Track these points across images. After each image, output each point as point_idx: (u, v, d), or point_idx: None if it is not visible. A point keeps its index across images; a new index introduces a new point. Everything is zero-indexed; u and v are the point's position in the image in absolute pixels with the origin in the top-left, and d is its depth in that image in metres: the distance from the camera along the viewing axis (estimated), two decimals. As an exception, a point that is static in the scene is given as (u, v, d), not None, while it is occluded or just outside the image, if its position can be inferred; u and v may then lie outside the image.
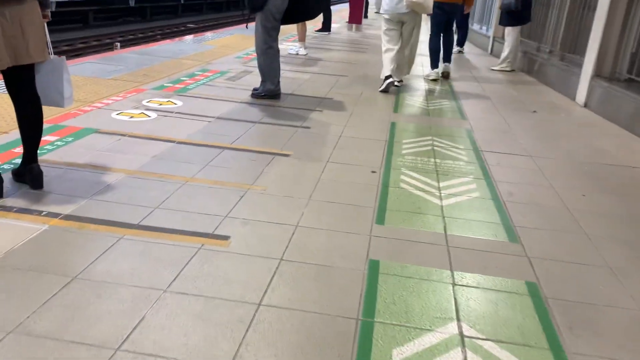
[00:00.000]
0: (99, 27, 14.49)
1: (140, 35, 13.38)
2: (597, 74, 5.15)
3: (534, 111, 4.88)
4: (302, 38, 7.51)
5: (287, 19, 4.59)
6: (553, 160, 3.48)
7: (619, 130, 4.41)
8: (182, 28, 15.85)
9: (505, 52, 7.29)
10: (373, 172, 2.98)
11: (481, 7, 10.92)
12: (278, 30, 4.55)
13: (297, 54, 7.47)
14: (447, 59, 6.38)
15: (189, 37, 8.76)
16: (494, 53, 9.11)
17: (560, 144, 3.87)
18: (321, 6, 4.79)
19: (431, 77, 6.26)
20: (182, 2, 19.23)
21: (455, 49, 9.07)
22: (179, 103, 4.17)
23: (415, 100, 5.04)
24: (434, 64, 6.31)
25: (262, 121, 3.88)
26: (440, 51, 6.29)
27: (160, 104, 4.07)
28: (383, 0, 5.30)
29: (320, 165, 3.04)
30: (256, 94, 4.61)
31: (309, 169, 2.98)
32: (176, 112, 3.91)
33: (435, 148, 3.52)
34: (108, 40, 11.92)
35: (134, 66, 5.50)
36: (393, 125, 4.04)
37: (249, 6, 4.38)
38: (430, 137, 3.78)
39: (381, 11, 5.37)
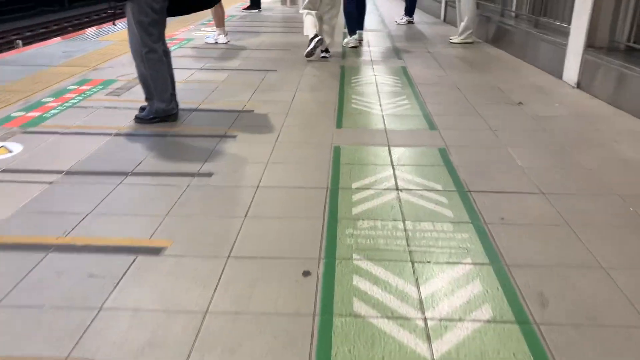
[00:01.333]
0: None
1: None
2: (590, 44, 4.04)
3: (519, 103, 3.73)
4: (219, 23, 6.08)
5: (175, 9, 3.24)
6: (586, 209, 2.34)
7: (635, 122, 3.33)
8: (75, 22, 13.75)
9: (464, 21, 6.11)
10: (306, 273, 1.75)
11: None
12: (162, 25, 3.19)
13: (216, 42, 6.07)
14: (359, 25, 5.99)
15: (89, 31, 7.13)
16: (448, 20, 7.94)
17: (581, 166, 2.73)
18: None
19: (350, 45, 5.93)
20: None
21: (404, 18, 7.85)
22: (16, 149, 2.78)
23: (363, 101, 3.80)
24: (352, 30, 5.93)
25: (138, 171, 2.56)
26: (355, 15, 5.88)
27: (-15, 155, 2.69)
28: None
29: (216, 264, 1.79)
30: (141, 118, 3.26)
31: (198, 273, 1.72)
32: (1, 171, 2.54)
33: (401, 198, 2.30)
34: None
35: (-19, 86, 4.02)
36: (337, 153, 2.80)
37: (112, -9, 3.02)
38: (391, 172, 2.57)
39: None
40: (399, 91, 4.06)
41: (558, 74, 4.40)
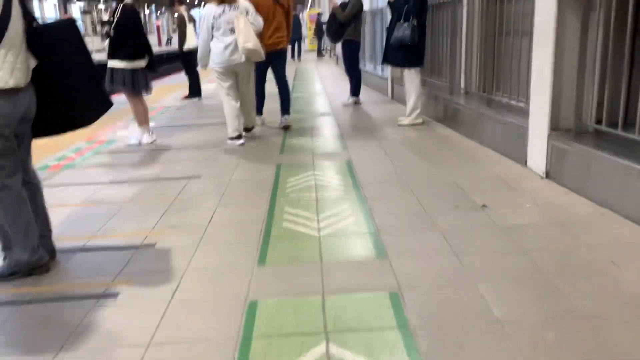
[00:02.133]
0: None
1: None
2: (554, 126, 3.52)
3: (483, 206, 3.10)
4: (142, 121, 5.42)
5: (41, 129, 2.53)
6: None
7: (627, 226, 2.72)
8: None
9: (411, 101, 5.64)
10: None
11: (372, 43, 9.46)
12: (25, 152, 2.47)
13: (140, 144, 5.38)
14: (284, 110, 5.91)
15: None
16: (396, 97, 7.55)
17: (581, 315, 2.05)
18: (104, 104, 2.71)
19: (257, 123, 5.83)
20: None
21: (350, 99, 7.42)
22: None
23: (297, 217, 3.10)
24: (259, 110, 5.97)
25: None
26: (262, 97, 6.03)
27: None
28: (213, 54, 4.99)
29: None
30: (-5, 275, 2.45)
31: None
32: None
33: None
34: None
35: None
36: (251, 316, 2.04)
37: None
38: (323, 349, 1.81)
39: (212, 65, 5.05)
40: (341, 197, 3.40)
41: (521, 160, 3.85)
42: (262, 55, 4.96)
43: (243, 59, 4.92)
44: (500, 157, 4.15)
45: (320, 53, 20.37)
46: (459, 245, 2.57)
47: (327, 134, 5.52)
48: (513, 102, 4.29)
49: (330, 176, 3.89)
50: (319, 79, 11.47)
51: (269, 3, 5.39)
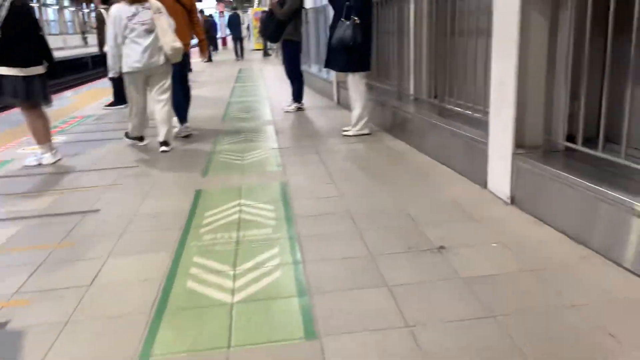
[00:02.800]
0: None
1: None
2: (520, 143, 3.00)
3: (440, 247, 2.52)
4: (42, 138, 4.58)
5: None
6: None
7: (617, 272, 2.20)
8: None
9: (356, 110, 5.05)
10: None
11: (316, 43, 8.84)
12: None
13: (40, 164, 4.54)
14: (182, 117, 5.44)
15: None
16: (342, 102, 6.96)
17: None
18: None
19: (182, 134, 5.39)
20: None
21: (292, 105, 6.78)
22: None
23: (208, 273, 2.42)
24: (183, 118, 5.43)
25: None
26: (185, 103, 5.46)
27: None
28: (128, 57, 4.55)
29: None
30: None
31: None
32: None
33: None
34: None
35: None
36: None
37: None
38: None
39: (127, 69, 4.60)
40: (269, 238, 2.74)
41: (481, 180, 3.31)
42: (181, 56, 4.70)
43: (162, 60, 4.61)
44: (456, 176, 3.61)
45: (266, 53, 19.67)
46: (413, 311, 1.97)
47: (263, 147, 4.85)
48: (469, 113, 3.76)
49: (259, 207, 3.22)
50: (263, 82, 10.77)
51: (169, 3, 4.93)
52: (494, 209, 2.99)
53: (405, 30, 4.97)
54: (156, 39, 4.55)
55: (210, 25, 21.67)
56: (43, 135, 4.56)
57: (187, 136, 5.39)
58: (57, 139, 5.16)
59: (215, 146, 4.96)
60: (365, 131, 5.08)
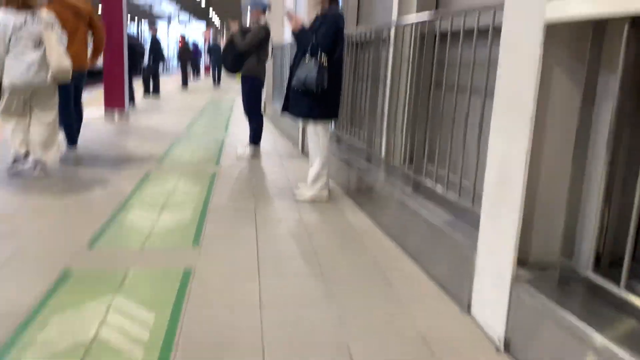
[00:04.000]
0: None
1: None
2: (523, 260, 2.03)
3: None
4: None
5: None
6: None
7: None
8: None
9: (315, 166, 4.08)
10: None
11: (282, 77, 7.92)
12: None
13: None
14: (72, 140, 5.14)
15: None
16: (308, 151, 5.99)
17: None
18: None
19: (70, 157, 5.03)
20: None
21: (247, 148, 5.81)
22: None
23: None
24: (73, 140, 5.14)
25: None
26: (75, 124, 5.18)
27: None
28: (12, 70, 4.01)
29: None
30: None
31: None
32: None
33: None
34: None
35: None
36: None
37: None
38: None
39: (7, 85, 4.05)
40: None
41: (462, 300, 2.32)
42: (69, 76, 4.25)
43: (49, 79, 4.12)
44: (428, 285, 2.61)
45: (216, 83, 18.76)
46: None
47: (188, 205, 3.80)
48: (452, 195, 2.80)
49: (132, 315, 2.16)
50: (230, 114, 9.81)
51: (69, 16, 4.79)
52: (478, 357, 1.98)
53: (381, 77, 4.07)
54: (44, 54, 4.07)
55: (194, 51, 20.94)
56: None
57: (77, 163, 4.97)
58: None
59: (129, 193, 3.92)
60: (323, 194, 4.09)
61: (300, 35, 3.92)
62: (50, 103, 4.29)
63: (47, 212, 3.47)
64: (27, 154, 4.29)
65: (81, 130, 5.34)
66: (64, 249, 2.85)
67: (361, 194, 3.99)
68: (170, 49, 31.90)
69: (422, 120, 3.38)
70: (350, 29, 4.76)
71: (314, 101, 3.90)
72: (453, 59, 2.90)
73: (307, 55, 3.83)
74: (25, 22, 4.02)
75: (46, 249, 2.86)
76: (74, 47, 4.68)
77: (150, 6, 38.17)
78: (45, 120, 4.27)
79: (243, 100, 5.86)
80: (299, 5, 7.81)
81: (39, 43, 4.05)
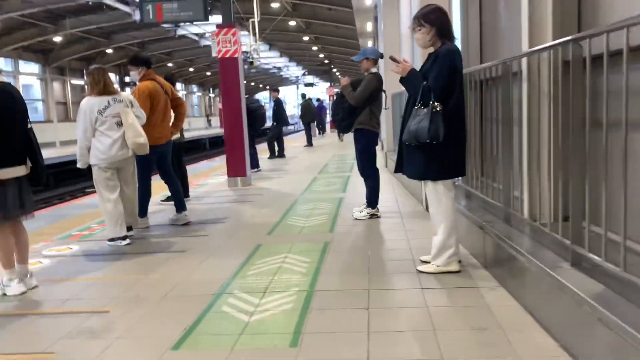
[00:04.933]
0: None
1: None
2: None
3: None
4: (7, 262, 3.49)
5: None
6: None
7: None
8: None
9: (439, 235, 3.36)
10: None
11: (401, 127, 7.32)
12: None
13: (4, 294, 3.44)
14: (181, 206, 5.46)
15: None
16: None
17: None
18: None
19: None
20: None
21: (364, 211, 5.29)
22: None
23: None
24: (143, 213, 5.24)
25: None
26: (149, 195, 5.38)
27: None
28: (97, 150, 4.42)
29: None
30: None
31: None
32: None
33: None
34: None
35: None
36: None
37: None
38: None
39: (96, 162, 4.44)
40: None
41: None
42: (147, 149, 4.61)
43: (130, 153, 4.55)
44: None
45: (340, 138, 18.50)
46: None
47: (292, 287, 3.29)
48: (634, 277, 1.93)
49: None
50: (352, 170, 9.40)
51: (161, 93, 5.24)
52: None
53: (516, 118, 3.30)
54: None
55: (319, 108, 21.44)
56: (8, 257, 3.48)
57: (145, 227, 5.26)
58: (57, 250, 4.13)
59: (230, 277, 3.55)
60: (452, 268, 3.35)
61: (409, 80, 3.35)
62: (132, 175, 4.72)
63: (149, 306, 3.21)
64: (124, 237, 4.60)
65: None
66: (147, 355, 2.49)
67: (499, 264, 3.18)
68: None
69: (575, 165, 2.54)
70: (471, 67, 4.08)
71: (430, 157, 3.26)
72: (617, 87, 2.10)
73: (419, 102, 3.25)
74: (108, 104, 4.42)
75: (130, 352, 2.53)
76: (165, 121, 5.29)
77: (279, 69, 40.53)
78: (128, 189, 4.67)
79: (357, 158, 5.38)
80: (416, 48, 7.30)
81: (120, 122, 4.46)
